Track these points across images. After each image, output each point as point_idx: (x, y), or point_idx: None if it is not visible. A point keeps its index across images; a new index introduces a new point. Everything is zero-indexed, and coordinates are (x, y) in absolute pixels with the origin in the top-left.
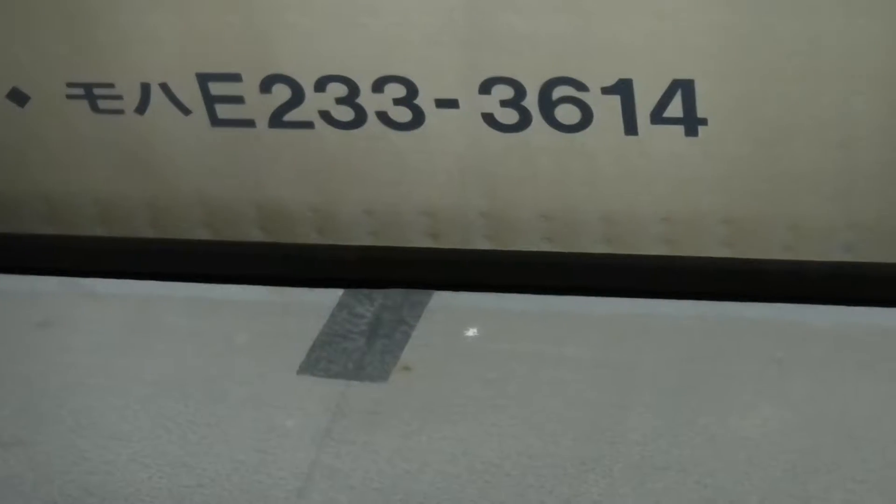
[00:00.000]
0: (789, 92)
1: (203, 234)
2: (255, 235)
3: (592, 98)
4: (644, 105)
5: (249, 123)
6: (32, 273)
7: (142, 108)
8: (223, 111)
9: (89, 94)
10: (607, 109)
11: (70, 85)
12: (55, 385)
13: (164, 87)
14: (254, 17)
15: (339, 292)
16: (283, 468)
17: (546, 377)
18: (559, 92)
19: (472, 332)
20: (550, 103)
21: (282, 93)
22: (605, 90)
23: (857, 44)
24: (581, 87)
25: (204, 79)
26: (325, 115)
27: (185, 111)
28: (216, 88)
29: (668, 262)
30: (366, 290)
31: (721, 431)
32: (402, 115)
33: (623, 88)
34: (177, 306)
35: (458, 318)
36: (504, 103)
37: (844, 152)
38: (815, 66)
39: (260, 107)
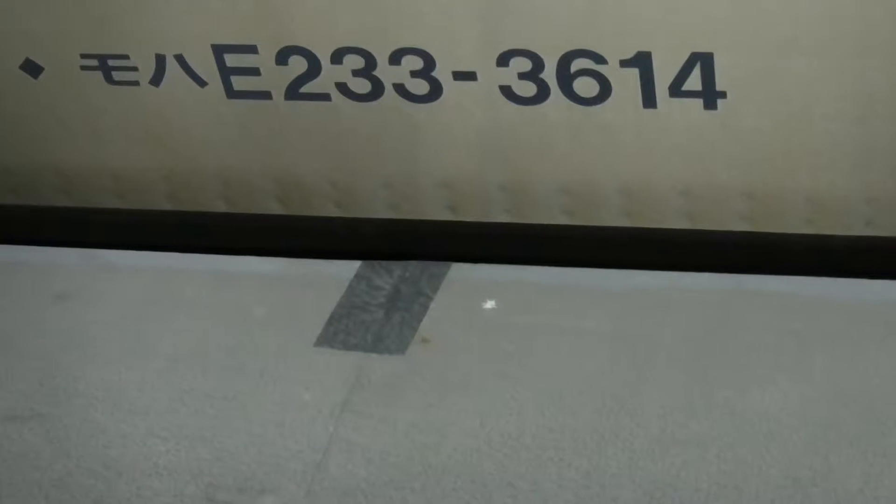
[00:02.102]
0: (809, 65)
1: (220, 207)
2: (273, 208)
3: (611, 71)
4: (663, 78)
5: (266, 95)
6: (49, 245)
7: (157, 79)
8: (239, 83)
9: (104, 65)
10: (626, 82)
11: (84, 56)
12: (72, 358)
13: (180, 59)
14: None
15: (357, 264)
16: (300, 441)
17: (565, 350)
18: (577, 65)
19: (490, 304)
20: (568, 76)
21: (298, 65)
22: (624, 63)
23: (875, 17)
24: (599, 59)
25: (220, 50)
26: (342, 88)
27: (201, 83)
28: (232, 60)
29: (687, 235)
30: (384, 263)
31: (741, 405)
32: (420, 87)
33: (642, 61)
34: (194, 279)
35: (476, 290)
36: (522, 76)
37: (864, 126)
38: (834, 40)
39: (276, 79)
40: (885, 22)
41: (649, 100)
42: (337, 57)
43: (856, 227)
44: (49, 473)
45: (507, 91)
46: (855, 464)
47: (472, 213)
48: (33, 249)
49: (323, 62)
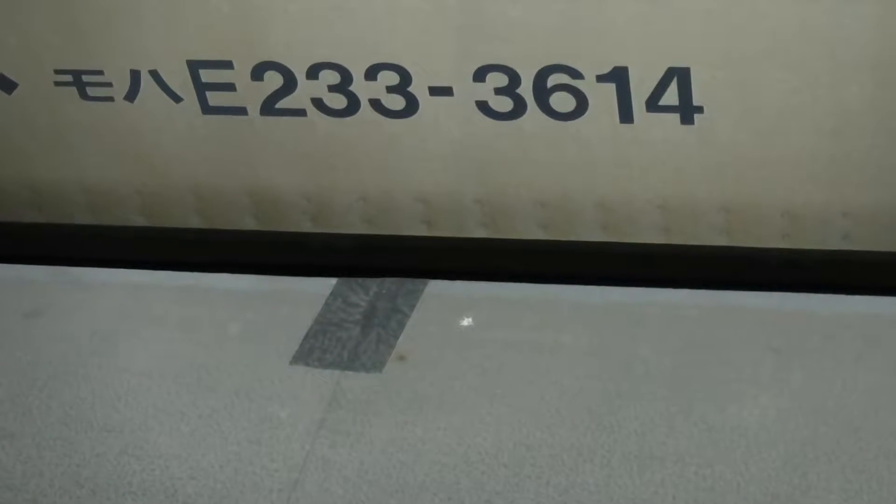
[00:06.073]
0: (784, 80)
1: (195, 223)
2: (248, 224)
3: (587, 86)
4: (640, 93)
5: (241, 111)
6: (20, 262)
7: (132, 95)
8: (214, 98)
9: (78, 80)
10: (602, 97)
11: (58, 72)
12: (44, 376)
13: (155, 75)
14: (245, 3)
15: (333, 281)
16: (276, 460)
17: (542, 366)
18: (554, 80)
19: (467, 320)
20: (545, 91)
21: (274, 80)
22: (601, 78)
23: (850, 30)
24: (576, 74)
25: (195, 66)
26: (318, 103)
27: (176, 98)
28: (207, 76)
29: (664, 250)
30: (360, 279)
31: (719, 421)
32: (396, 102)
33: (618, 76)
34: (168, 295)
35: (453, 306)
36: (498, 91)
37: (840, 140)
38: (809, 54)
39: (252, 94)
40: (859, 36)
41: (626, 114)
42: (312, 72)
43: (832, 241)
44: (22, 493)
45: (483, 106)
46: (833, 480)
47: (448, 228)
48: (2, 266)
49: (298, 78)
